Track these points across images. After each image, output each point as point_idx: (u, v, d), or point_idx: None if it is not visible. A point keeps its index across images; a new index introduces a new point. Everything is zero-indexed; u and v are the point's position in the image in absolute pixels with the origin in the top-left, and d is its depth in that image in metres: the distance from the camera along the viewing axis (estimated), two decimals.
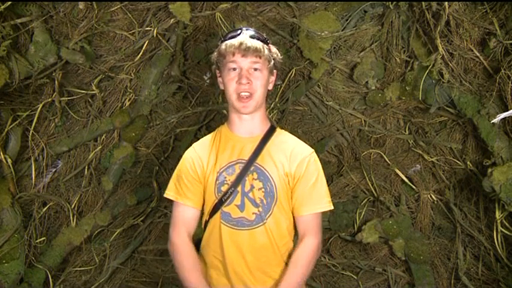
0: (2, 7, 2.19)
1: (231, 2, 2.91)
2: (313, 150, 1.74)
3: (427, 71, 2.77)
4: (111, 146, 3.07)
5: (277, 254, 1.69)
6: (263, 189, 1.65)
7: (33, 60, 2.46)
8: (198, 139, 3.54)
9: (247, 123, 1.70)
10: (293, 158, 1.68)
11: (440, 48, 2.64)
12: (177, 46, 3.03)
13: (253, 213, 1.65)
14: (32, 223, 2.73)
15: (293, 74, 3.24)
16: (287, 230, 1.70)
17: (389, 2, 2.87)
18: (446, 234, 3.11)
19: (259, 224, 1.65)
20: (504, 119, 2.51)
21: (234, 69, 1.64)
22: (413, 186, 3.11)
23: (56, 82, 2.63)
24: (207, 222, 1.72)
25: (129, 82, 3.01)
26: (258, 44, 1.63)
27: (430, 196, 3.06)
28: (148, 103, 3.08)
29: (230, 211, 1.66)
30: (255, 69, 1.63)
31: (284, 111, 3.31)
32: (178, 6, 2.76)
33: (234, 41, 1.63)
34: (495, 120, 2.48)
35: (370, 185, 3.17)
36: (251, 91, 1.63)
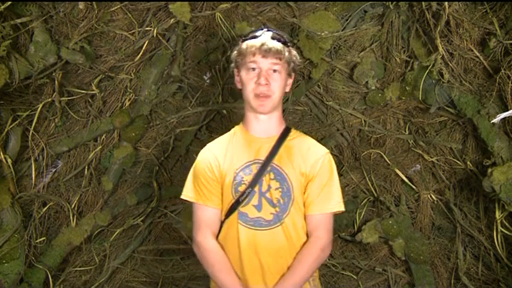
0: (2, 7, 2.19)
1: (231, 2, 2.90)
2: (328, 151, 1.75)
3: (427, 71, 2.77)
4: (111, 146, 3.07)
5: (294, 254, 1.68)
6: (280, 189, 1.66)
7: (33, 60, 2.46)
8: (198, 139, 3.55)
9: (264, 123, 1.71)
10: (308, 157, 1.69)
11: (440, 48, 2.64)
12: (177, 46, 3.03)
13: (270, 213, 1.65)
14: (32, 223, 2.73)
15: None
16: (303, 230, 1.70)
17: (389, 2, 2.87)
18: (446, 234, 3.11)
19: (277, 224, 1.65)
20: (504, 119, 2.51)
21: (254, 69, 1.64)
22: (413, 186, 3.11)
23: (56, 82, 2.63)
24: (222, 222, 1.71)
25: (129, 82, 3.01)
26: (279, 45, 1.64)
27: (430, 196, 3.06)
28: (148, 103, 3.08)
29: (247, 211, 1.66)
30: (274, 71, 1.64)
31: (284, 111, 3.31)
32: (178, 6, 2.76)
33: (256, 42, 1.63)
34: (495, 120, 2.48)
35: (370, 185, 3.17)
36: (269, 92, 1.64)
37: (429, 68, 2.73)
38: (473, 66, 2.71)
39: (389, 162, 3.16)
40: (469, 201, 2.99)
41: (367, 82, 3.07)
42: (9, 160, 2.55)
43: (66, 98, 2.80)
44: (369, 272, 3.23)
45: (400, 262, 3.14)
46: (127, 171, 3.18)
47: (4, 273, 2.52)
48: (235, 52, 1.72)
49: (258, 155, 1.68)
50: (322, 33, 2.91)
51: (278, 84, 1.65)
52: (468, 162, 2.89)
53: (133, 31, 2.87)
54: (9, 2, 2.21)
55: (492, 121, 2.53)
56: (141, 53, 2.91)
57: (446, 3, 2.53)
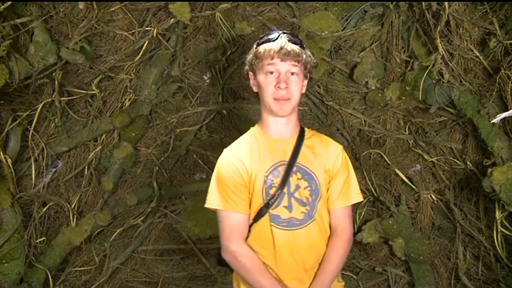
0: (2, 7, 2.19)
1: (231, 2, 2.90)
2: (342, 147, 1.81)
3: (427, 71, 2.77)
4: (111, 146, 3.07)
5: (324, 247, 1.73)
6: (309, 188, 1.68)
7: (33, 60, 2.46)
8: (198, 139, 3.54)
9: (284, 125, 1.72)
10: (330, 155, 1.74)
11: (440, 48, 2.64)
12: (177, 46, 3.03)
13: (301, 212, 1.67)
14: (32, 223, 2.73)
15: None
16: (328, 223, 1.75)
17: (389, 2, 2.87)
18: (446, 234, 3.11)
19: (309, 222, 1.68)
20: (504, 119, 2.51)
21: (272, 72, 1.64)
22: (413, 186, 3.11)
23: (56, 82, 2.63)
24: (250, 225, 1.70)
25: (129, 82, 3.01)
26: (297, 48, 1.64)
27: (430, 196, 3.06)
28: (148, 103, 3.08)
29: (279, 213, 1.66)
30: (292, 74, 1.65)
31: None
32: (178, 6, 2.76)
33: (274, 45, 1.63)
34: (495, 120, 2.48)
35: (370, 185, 3.17)
36: (289, 95, 1.64)
37: (429, 68, 2.73)
38: (473, 66, 2.71)
39: (389, 162, 3.16)
40: (469, 201, 2.99)
41: (367, 82, 3.07)
42: (9, 160, 2.55)
43: (66, 98, 2.80)
44: (369, 272, 3.23)
45: (400, 262, 3.14)
46: (127, 171, 3.18)
47: (4, 273, 2.52)
48: (251, 56, 1.71)
49: (283, 156, 1.70)
50: (322, 33, 2.91)
51: (297, 86, 1.66)
52: (468, 162, 2.89)
53: (133, 31, 2.87)
54: (9, 2, 2.21)
55: (492, 121, 2.53)
56: (141, 53, 2.91)
57: (446, 3, 2.53)
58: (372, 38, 3.11)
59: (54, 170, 2.90)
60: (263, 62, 1.65)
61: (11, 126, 2.55)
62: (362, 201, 1.80)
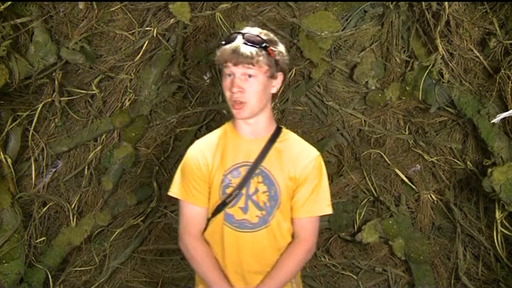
0: (2, 7, 2.19)
1: (231, 2, 2.90)
2: (319, 153, 1.71)
3: (427, 71, 2.77)
4: (111, 146, 3.07)
5: (278, 255, 1.69)
6: (267, 193, 1.64)
7: (33, 60, 2.46)
8: (198, 139, 3.53)
9: (252, 126, 1.67)
10: (299, 161, 1.66)
11: (440, 48, 2.64)
12: (177, 46, 3.03)
13: (256, 216, 1.64)
14: (32, 223, 2.73)
15: (293, 74, 3.24)
16: (288, 232, 1.70)
17: (389, 2, 2.87)
18: (446, 234, 3.11)
19: (262, 227, 1.64)
20: (504, 119, 2.51)
21: (229, 75, 1.59)
22: (413, 186, 3.11)
23: (56, 82, 2.63)
24: (209, 220, 1.71)
25: (129, 82, 3.01)
26: (252, 50, 1.55)
27: (430, 196, 3.06)
28: (148, 103, 3.08)
29: (234, 213, 1.65)
30: (250, 76, 1.57)
31: (284, 111, 3.31)
32: (178, 6, 2.76)
33: (228, 48, 1.57)
34: (495, 120, 2.48)
35: (370, 185, 3.17)
36: (243, 99, 1.57)
37: (429, 68, 2.73)
38: (473, 66, 2.71)
39: (389, 162, 3.16)
40: (469, 201, 2.99)
41: (367, 82, 3.07)
42: (9, 160, 2.55)
43: (66, 98, 2.80)
44: (369, 272, 3.23)
45: (400, 262, 3.14)
46: (127, 171, 3.18)
47: (4, 273, 2.52)
48: (215, 57, 1.66)
49: (247, 157, 1.65)
50: (322, 33, 2.91)
51: (254, 89, 1.57)
52: (468, 162, 2.89)
53: (133, 31, 2.87)
54: (9, 2, 2.21)
55: (492, 121, 2.53)
56: (141, 53, 2.91)
57: (446, 3, 2.53)
58: (372, 38, 3.11)
59: (54, 170, 2.90)
60: (222, 65, 1.60)
61: (11, 126, 2.55)
62: (333, 210, 1.71)
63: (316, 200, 1.66)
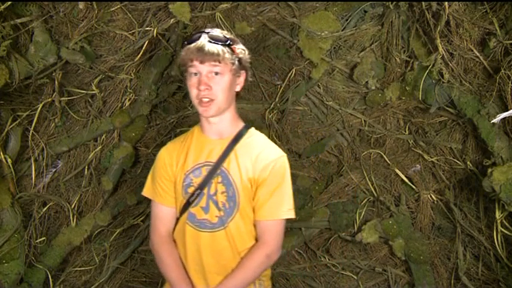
0: (2, 7, 2.18)
1: (231, 2, 2.90)
2: (282, 154, 1.69)
3: (427, 71, 2.77)
4: (111, 146, 3.07)
5: (237, 257, 1.68)
6: (226, 194, 1.65)
7: (33, 60, 2.46)
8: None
9: (215, 125, 1.69)
10: (258, 162, 1.65)
11: (440, 48, 2.64)
12: (177, 46, 3.03)
13: (216, 216, 1.65)
14: (32, 223, 2.73)
15: (293, 74, 3.24)
16: (250, 235, 1.70)
17: (389, 2, 2.87)
18: (446, 234, 3.11)
19: (220, 228, 1.65)
20: (504, 119, 2.50)
21: (195, 74, 1.61)
22: (413, 186, 3.11)
23: (56, 82, 2.63)
24: (177, 219, 1.74)
25: (129, 82, 3.01)
26: (217, 48, 1.58)
27: (430, 196, 3.06)
28: (148, 103, 3.08)
29: (196, 212, 1.67)
30: (216, 73, 1.59)
31: (284, 111, 3.31)
32: (178, 6, 2.76)
33: (193, 46, 1.60)
34: (495, 120, 2.48)
35: (370, 185, 3.17)
36: (211, 97, 1.60)
37: (429, 68, 2.72)
38: (473, 66, 2.71)
39: (389, 162, 3.16)
40: (469, 201, 2.99)
41: (367, 82, 3.07)
42: (9, 160, 2.55)
43: (66, 98, 2.80)
44: (369, 272, 3.23)
45: (400, 262, 3.14)
46: (127, 171, 3.19)
47: (4, 273, 2.52)
48: (179, 58, 1.68)
49: (209, 157, 1.67)
50: (322, 33, 2.91)
51: (220, 87, 1.60)
52: (468, 162, 2.89)
53: (133, 31, 2.87)
54: (9, 2, 2.21)
55: (492, 121, 2.53)
56: (141, 53, 2.91)
57: (446, 3, 2.53)
58: (372, 38, 3.11)
59: (54, 170, 2.90)
60: (186, 64, 1.62)
61: (11, 126, 2.55)
62: (294, 218, 1.69)
63: (278, 203, 1.65)
